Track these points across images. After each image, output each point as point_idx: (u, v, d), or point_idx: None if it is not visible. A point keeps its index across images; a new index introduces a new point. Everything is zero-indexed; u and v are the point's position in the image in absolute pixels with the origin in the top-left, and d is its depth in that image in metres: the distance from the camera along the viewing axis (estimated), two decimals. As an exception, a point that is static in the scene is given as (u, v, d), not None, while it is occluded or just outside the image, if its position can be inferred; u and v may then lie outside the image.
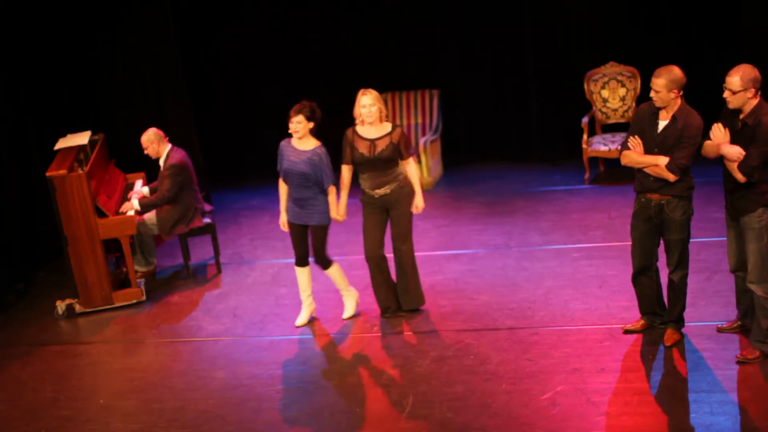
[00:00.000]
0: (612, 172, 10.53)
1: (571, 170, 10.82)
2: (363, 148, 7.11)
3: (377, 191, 7.17)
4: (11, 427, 6.49)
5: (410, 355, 6.89)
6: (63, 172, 7.88)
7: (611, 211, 9.29)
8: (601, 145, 10.29)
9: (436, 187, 10.85)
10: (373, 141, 7.10)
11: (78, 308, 8.22)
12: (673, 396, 6.01)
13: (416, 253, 7.43)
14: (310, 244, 7.37)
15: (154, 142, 8.50)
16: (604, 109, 10.70)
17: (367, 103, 7.06)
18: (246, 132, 11.55)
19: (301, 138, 7.13)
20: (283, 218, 7.37)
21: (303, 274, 7.48)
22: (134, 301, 8.34)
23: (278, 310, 7.91)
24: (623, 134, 10.38)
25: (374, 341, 7.19)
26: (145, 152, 8.58)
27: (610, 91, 10.62)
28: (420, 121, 11.28)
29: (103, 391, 6.93)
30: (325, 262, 7.40)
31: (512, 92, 11.32)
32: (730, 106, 6.05)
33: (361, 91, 7.13)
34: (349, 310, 7.58)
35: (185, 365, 7.15)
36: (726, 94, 6.01)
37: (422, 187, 10.67)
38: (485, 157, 11.49)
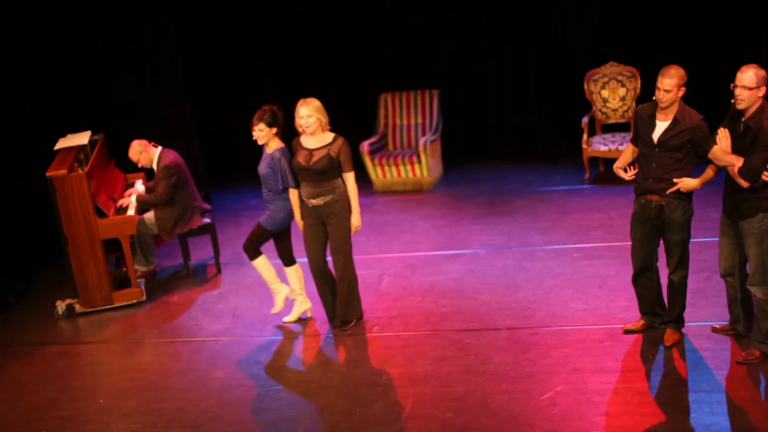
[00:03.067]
0: (612, 172, 10.49)
1: (571, 170, 10.83)
2: (301, 157, 7.07)
3: (311, 201, 7.09)
4: (11, 427, 6.49)
5: (410, 355, 6.89)
6: (63, 172, 7.88)
7: (611, 211, 9.29)
8: (601, 145, 10.29)
9: (436, 187, 10.85)
10: (310, 151, 7.06)
11: (78, 308, 8.22)
12: (673, 396, 6.00)
13: (416, 254, 7.44)
14: (249, 236, 7.43)
15: (143, 152, 8.53)
16: (604, 109, 10.70)
17: (305, 114, 6.99)
18: (246, 132, 11.49)
19: (266, 144, 7.23)
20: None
21: (291, 274, 7.50)
22: (134, 301, 8.34)
23: (278, 310, 7.91)
24: (623, 134, 10.40)
25: (374, 341, 7.19)
26: (139, 165, 8.63)
27: (610, 91, 10.62)
28: (420, 121, 11.28)
29: (103, 391, 6.92)
30: (252, 252, 7.43)
31: (512, 92, 11.32)
32: (741, 105, 5.89)
33: (300, 101, 7.06)
34: (278, 305, 7.57)
35: (185, 365, 7.15)
36: (738, 92, 5.86)
37: (423, 186, 10.86)
38: (485, 157, 11.50)
